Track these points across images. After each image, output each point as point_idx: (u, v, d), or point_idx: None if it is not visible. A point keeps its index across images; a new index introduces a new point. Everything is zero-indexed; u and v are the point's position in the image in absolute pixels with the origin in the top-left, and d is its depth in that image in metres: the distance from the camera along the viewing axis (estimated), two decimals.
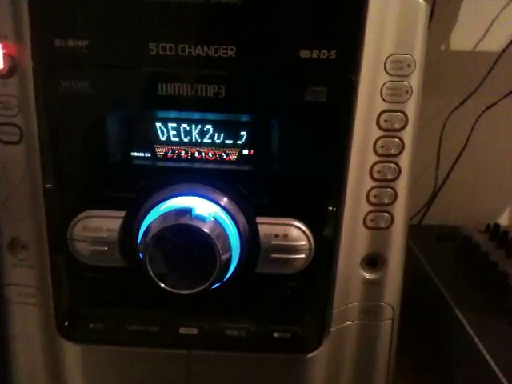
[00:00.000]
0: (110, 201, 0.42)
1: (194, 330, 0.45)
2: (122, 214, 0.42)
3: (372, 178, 0.42)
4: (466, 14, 0.79)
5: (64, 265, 0.44)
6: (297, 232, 0.43)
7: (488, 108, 0.78)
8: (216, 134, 0.43)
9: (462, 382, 0.56)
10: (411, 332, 0.53)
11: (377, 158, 0.42)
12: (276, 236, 0.42)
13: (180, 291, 0.39)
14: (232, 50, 0.39)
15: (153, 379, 0.47)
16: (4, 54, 0.40)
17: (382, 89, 0.41)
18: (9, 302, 0.46)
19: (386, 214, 0.43)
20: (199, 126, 0.42)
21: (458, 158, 0.79)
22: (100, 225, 0.42)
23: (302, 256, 0.43)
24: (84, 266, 0.43)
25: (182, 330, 0.45)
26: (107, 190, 0.43)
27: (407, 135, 0.42)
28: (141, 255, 0.40)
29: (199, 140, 0.43)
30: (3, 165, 0.43)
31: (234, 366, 0.46)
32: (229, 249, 0.40)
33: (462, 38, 0.80)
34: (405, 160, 0.42)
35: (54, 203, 0.43)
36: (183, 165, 0.43)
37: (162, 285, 0.39)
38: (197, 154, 0.43)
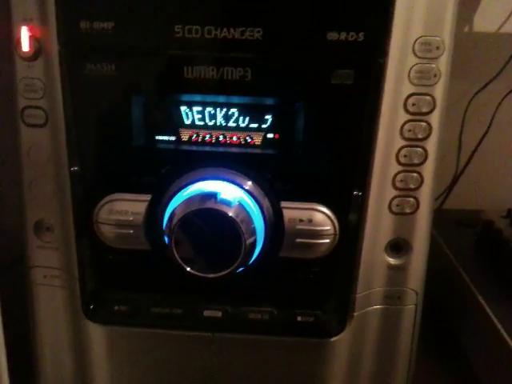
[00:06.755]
0: (136, 184, 0.42)
1: (218, 313, 0.45)
2: (148, 197, 0.42)
3: (398, 162, 0.42)
4: None
5: (89, 247, 0.45)
6: (321, 217, 0.42)
7: (511, 91, 0.76)
8: (241, 118, 0.42)
9: (482, 369, 0.56)
10: (430, 317, 0.52)
11: (403, 143, 0.42)
12: (300, 221, 0.42)
13: (205, 275, 0.40)
14: (258, 32, 0.39)
15: (176, 361, 0.48)
16: (29, 37, 0.40)
17: (409, 72, 0.40)
18: (34, 284, 0.47)
19: (411, 199, 0.43)
20: (224, 109, 0.42)
21: (480, 142, 0.78)
22: (125, 208, 0.42)
23: (327, 241, 0.43)
24: (109, 248, 0.44)
25: (206, 313, 0.45)
26: (132, 174, 0.43)
27: (435, 119, 0.41)
28: (166, 239, 0.40)
29: (224, 124, 0.43)
30: (28, 148, 0.43)
31: (257, 350, 0.47)
32: (253, 233, 0.40)
33: (485, 20, 0.78)
34: (432, 144, 0.42)
35: (79, 186, 0.43)
36: (208, 149, 0.43)
37: (188, 268, 0.39)
38: (221, 138, 0.43)
